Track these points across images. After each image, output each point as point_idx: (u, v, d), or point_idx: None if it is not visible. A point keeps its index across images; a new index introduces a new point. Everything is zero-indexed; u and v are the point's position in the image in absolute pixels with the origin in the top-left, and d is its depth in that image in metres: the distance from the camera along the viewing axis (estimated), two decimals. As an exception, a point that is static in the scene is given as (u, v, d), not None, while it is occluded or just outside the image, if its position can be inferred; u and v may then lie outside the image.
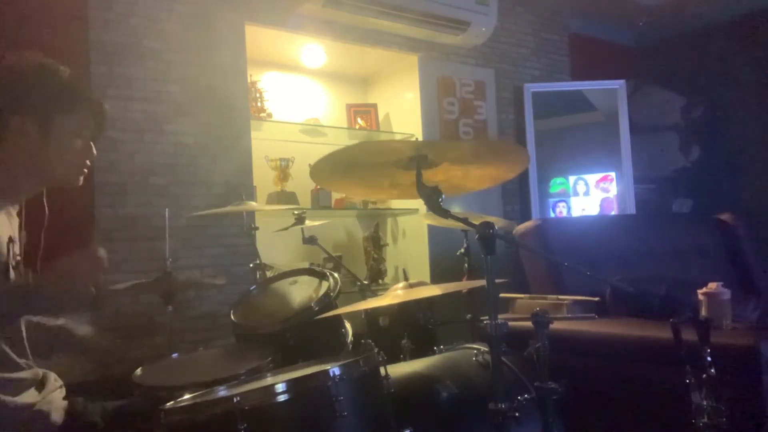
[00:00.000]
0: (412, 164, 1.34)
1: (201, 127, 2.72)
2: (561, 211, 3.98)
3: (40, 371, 1.35)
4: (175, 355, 1.79)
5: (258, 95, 3.13)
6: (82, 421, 1.36)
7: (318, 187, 3.25)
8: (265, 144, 3.13)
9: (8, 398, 1.23)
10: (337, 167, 1.44)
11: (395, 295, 1.65)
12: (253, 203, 2.47)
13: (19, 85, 1.27)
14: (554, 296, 2.45)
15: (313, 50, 3.32)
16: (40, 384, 1.34)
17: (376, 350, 1.36)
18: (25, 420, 1.25)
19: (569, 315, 2.38)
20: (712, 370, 1.31)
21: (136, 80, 2.58)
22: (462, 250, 2.39)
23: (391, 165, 1.38)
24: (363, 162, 1.41)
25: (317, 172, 1.42)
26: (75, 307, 1.34)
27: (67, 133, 1.31)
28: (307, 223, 2.29)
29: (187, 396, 1.30)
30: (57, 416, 1.32)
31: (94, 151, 1.38)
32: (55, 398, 1.34)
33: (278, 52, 3.28)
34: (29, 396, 1.28)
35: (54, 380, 1.38)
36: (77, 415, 1.36)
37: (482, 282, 1.24)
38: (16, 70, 1.29)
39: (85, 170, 1.37)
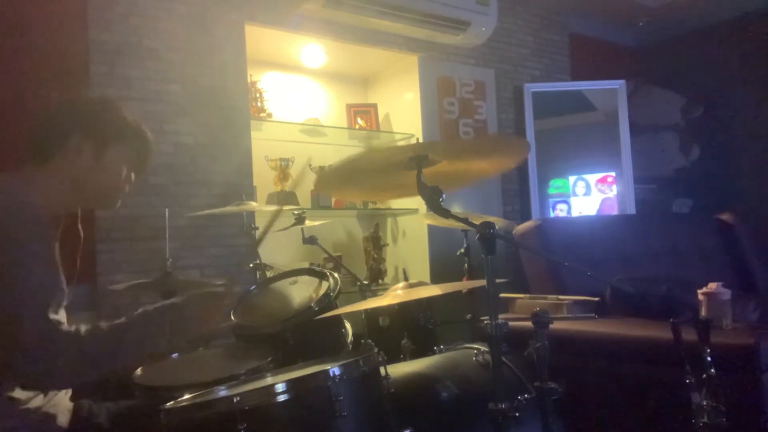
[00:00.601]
0: (413, 164, 1.34)
1: (201, 127, 2.72)
2: (559, 212, 3.98)
3: None
4: (175, 355, 1.78)
5: (258, 95, 3.13)
6: (88, 423, 1.36)
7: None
8: (265, 144, 3.13)
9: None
10: (342, 176, 1.45)
11: (395, 295, 1.65)
12: (253, 203, 2.47)
13: (83, 110, 1.38)
14: (554, 296, 2.45)
15: (313, 50, 3.32)
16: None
17: (376, 350, 1.36)
18: (34, 423, 1.25)
19: (569, 315, 2.38)
20: (712, 370, 1.31)
21: (136, 80, 2.58)
22: (462, 250, 2.39)
23: (393, 166, 1.38)
24: (367, 167, 1.41)
25: (323, 185, 1.42)
26: (74, 308, 1.34)
27: (118, 160, 1.40)
28: (307, 223, 2.29)
29: (187, 396, 1.30)
30: (63, 419, 1.32)
31: (133, 181, 1.46)
32: (60, 401, 1.34)
33: (278, 52, 3.28)
34: (36, 400, 1.28)
35: None
36: (83, 417, 1.37)
37: (482, 282, 1.23)
38: (83, 99, 1.43)
39: (122, 198, 1.45)
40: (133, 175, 1.44)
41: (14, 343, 1.10)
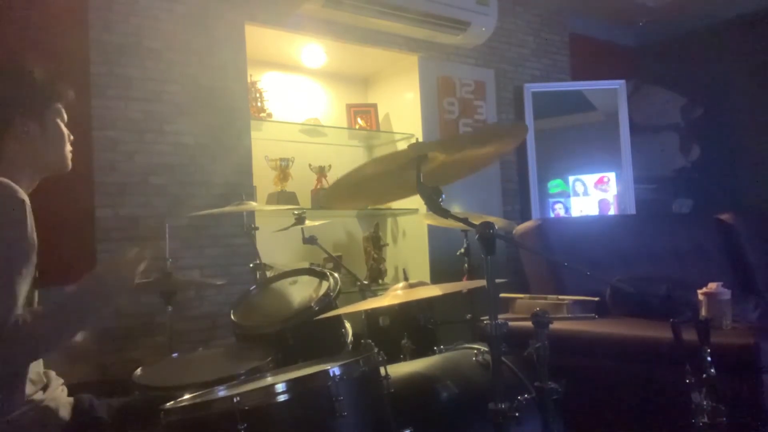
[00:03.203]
0: (413, 164, 1.34)
1: (201, 127, 2.72)
2: (558, 212, 3.98)
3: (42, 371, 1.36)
4: (175, 355, 1.79)
5: (258, 95, 3.13)
6: (89, 417, 1.37)
7: (318, 186, 3.26)
8: (265, 144, 3.13)
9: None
10: (349, 188, 1.47)
11: (395, 295, 1.65)
12: (253, 203, 2.47)
13: (13, 94, 1.38)
14: (554, 296, 2.45)
15: (313, 50, 3.32)
16: (45, 385, 1.35)
17: (376, 350, 1.36)
18: (35, 417, 1.26)
19: (569, 315, 2.38)
20: (712, 370, 1.31)
21: (136, 80, 2.58)
22: (462, 250, 2.39)
23: (394, 169, 1.38)
24: (368, 175, 1.41)
25: (331, 199, 1.43)
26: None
27: (56, 120, 1.43)
28: (307, 223, 2.29)
29: (187, 396, 1.30)
30: (65, 412, 1.33)
31: (71, 136, 1.48)
32: (59, 396, 1.36)
33: (278, 52, 3.28)
34: (37, 395, 1.30)
35: (55, 378, 1.40)
36: (84, 411, 1.37)
37: (482, 282, 1.23)
38: (6, 82, 1.41)
39: (71, 153, 1.47)
40: (68, 133, 1.46)
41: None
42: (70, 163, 1.46)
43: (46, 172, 1.44)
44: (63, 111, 1.45)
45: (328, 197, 1.42)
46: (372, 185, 1.49)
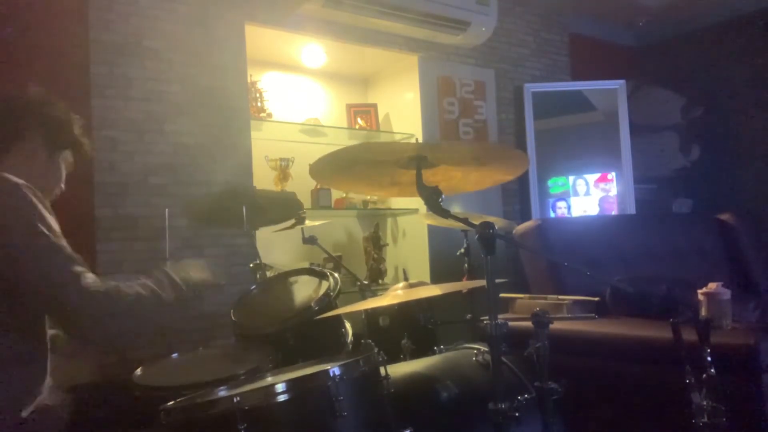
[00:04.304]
0: (412, 164, 1.35)
1: (201, 127, 2.72)
2: (562, 212, 3.98)
3: None
4: (175, 355, 1.78)
5: (258, 95, 3.13)
6: (88, 417, 1.37)
7: (318, 186, 3.25)
8: (265, 144, 3.13)
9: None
10: (338, 166, 1.45)
11: (395, 295, 1.65)
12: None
13: (47, 120, 1.46)
14: (554, 296, 2.45)
15: (313, 50, 3.32)
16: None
17: (376, 350, 1.36)
18: (36, 416, 1.26)
19: (569, 315, 2.38)
20: (712, 370, 1.31)
21: (136, 80, 2.58)
22: (462, 250, 2.38)
23: (392, 164, 1.38)
24: (364, 160, 1.41)
25: (317, 172, 1.43)
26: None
27: (63, 164, 1.51)
28: (307, 223, 2.29)
29: (187, 396, 1.30)
30: (65, 412, 1.34)
31: (63, 186, 1.55)
32: (59, 395, 1.36)
33: (278, 52, 3.28)
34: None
35: (55, 378, 1.39)
36: (84, 411, 1.38)
37: (482, 282, 1.24)
38: (48, 107, 1.48)
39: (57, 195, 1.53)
40: (63, 183, 1.53)
41: (68, 311, 1.18)
42: (52, 197, 1.50)
43: None
44: (71, 159, 1.52)
45: (316, 169, 1.42)
46: (365, 172, 1.48)
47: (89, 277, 1.22)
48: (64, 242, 1.25)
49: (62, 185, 1.52)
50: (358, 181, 1.61)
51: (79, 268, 1.21)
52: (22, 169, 1.37)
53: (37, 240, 1.20)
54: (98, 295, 1.20)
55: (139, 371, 1.56)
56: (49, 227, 1.23)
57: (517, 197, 3.94)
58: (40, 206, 1.25)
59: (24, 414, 1.23)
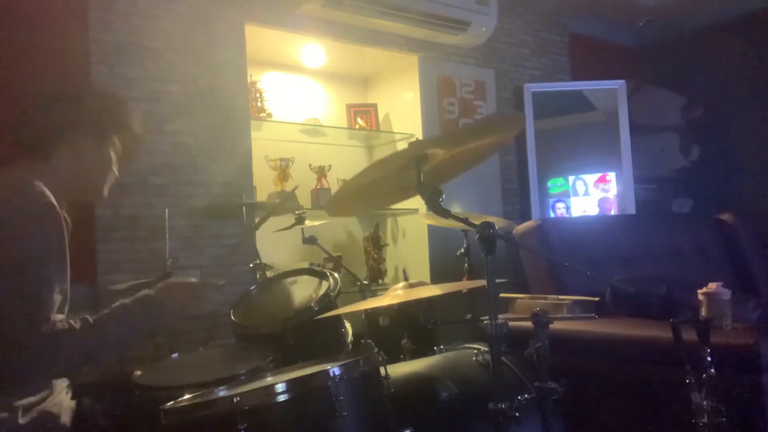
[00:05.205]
0: (413, 164, 1.34)
1: (201, 127, 2.72)
2: (561, 212, 3.98)
3: None
4: (175, 355, 1.78)
5: (258, 95, 3.13)
6: (90, 422, 1.37)
7: (318, 186, 3.25)
8: (265, 144, 3.13)
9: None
10: (350, 196, 1.47)
11: (395, 295, 1.65)
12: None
13: (91, 109, 1.41)
14: (554, 296, 2.45)
15: (313, 50, 3.32)
16: (49, 393, 1.34)
17: (376, 350, 1.36)
18: (37, 422, 1.25)
19: (569, 315, 2.38)
20: (712, 370, 1.31)
21: (136, 80, 2.58)
22: (462, 250, 2.39)
23: (394, 170, 1.38)
24: (370, 180, 1.41)
25: (334, 209, 1.44)
26: (74, 308, 1.34)
27: (112, 154, 1.45)
28: (307, 223, 2.29)
29: (187, 396, 1.30)
30: (66, 418, 1.33)
31: (117, 173, 1.50)
32: (63, 399, 1.35)
33: (278, 52, 3.28)
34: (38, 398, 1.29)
35: (60, 381, 1.39)
36: (85, 416, 1.37)
37: (482, 282, 1.23)
38: (92, 96, 1.47)
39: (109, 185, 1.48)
40: (116, 168, 1.48)
41: (20, 346, 1.14)
42: (105, 194, 1.47)
43: (76, 195, 1.44)
44: (118, 144, 1.46)
45: (332, 207, 1.42)
46: (373, 190, 1.48)
47: (51, 324, 1.17)
48: (58, 276, 1.21)
49: (116, 171, 1.47)
50: (373, 200, 1.63)
51: (45, 315, 1.16)
52: (69, 166, 1.37)
53: (21, 276, 1.17)
54: (51, 341, 1.16)
55: (139, 371, 1.56)
56: (54, 258, 1.21)
57: (517, 197, 3.94)
58: (57, 233, 1.22)
59: (22, 422, 1.22)
